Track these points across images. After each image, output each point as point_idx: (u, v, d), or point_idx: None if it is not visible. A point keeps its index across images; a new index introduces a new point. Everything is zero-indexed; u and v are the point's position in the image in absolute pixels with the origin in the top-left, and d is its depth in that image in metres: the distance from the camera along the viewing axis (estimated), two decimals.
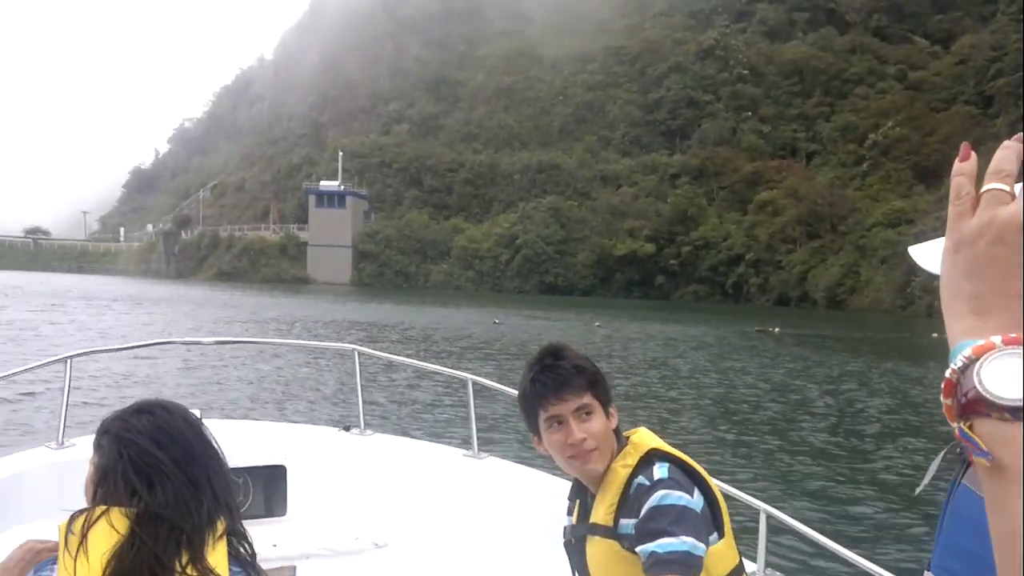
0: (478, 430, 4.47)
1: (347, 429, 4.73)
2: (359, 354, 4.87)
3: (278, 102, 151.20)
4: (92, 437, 1.68)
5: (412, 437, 6.08)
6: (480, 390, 4.58)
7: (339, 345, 7.53)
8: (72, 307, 43.59)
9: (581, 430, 2.02)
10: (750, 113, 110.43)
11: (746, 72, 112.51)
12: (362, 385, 4.88)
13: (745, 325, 47.32)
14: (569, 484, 2.25)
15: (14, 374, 4.83)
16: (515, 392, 2.27)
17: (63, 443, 4.14)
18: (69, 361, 4.34)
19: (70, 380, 4.26)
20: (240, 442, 3.97)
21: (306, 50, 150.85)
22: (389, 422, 13.61)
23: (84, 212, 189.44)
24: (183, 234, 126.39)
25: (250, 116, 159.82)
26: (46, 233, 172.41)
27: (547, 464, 2.55)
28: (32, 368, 4.82)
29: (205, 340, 7.14)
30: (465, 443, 4.65)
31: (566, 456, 2.05)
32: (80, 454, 3.59)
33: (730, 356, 29.10)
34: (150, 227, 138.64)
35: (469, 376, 4.54)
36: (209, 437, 1.72)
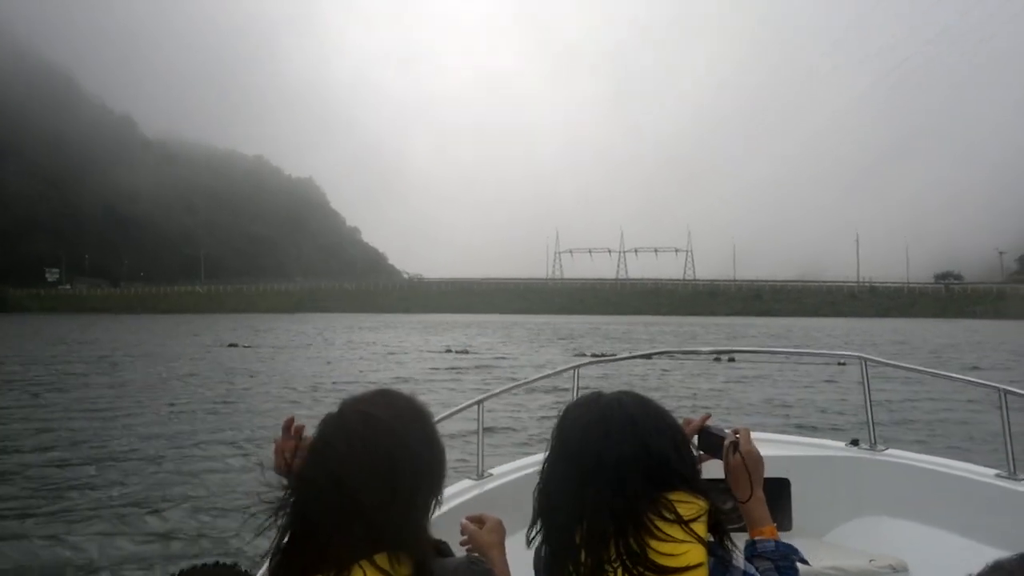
0: (1015, 451, 3.81)
1: (855, 443, 4.29)
2: (866, 363, 4.36)
3: None
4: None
5: (931, 453, 4.68)
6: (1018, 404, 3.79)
7: (844, 353, 6.05)
8: None
9: None
10: None
11: None
12: (871, 397, 4.32)
13: None
14: None
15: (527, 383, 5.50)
16: None
17: None
18: (576, 370, 4.37)
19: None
20: None
21: None
22: (902, 437, 12.89)
23: (1000, 252, 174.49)
24: None
25: None
26: (958, 278, 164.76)
27: None
28: (539, 379, 5.13)
29: (702, 349, 6.83)
30: (999, 463, 3.87)
31: None
32: None
33: None
34: None
35: (1000, 386, 3.85)
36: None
